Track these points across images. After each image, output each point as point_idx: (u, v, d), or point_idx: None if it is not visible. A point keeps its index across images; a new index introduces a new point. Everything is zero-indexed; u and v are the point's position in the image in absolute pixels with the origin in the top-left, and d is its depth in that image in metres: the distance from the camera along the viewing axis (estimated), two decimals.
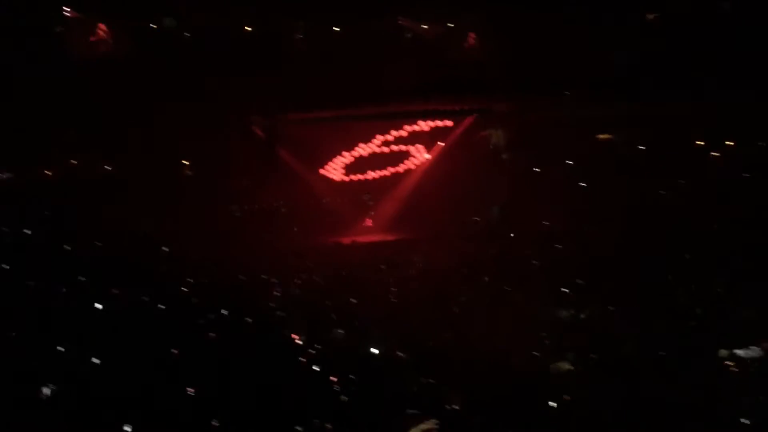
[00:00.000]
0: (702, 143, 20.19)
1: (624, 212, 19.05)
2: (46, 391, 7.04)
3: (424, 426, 6.51)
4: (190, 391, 7.65)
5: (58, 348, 8.17)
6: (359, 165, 22.67)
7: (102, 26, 17.00)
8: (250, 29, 18.76)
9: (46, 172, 18.91)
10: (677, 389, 8.55)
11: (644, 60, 18.70)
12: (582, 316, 12.11)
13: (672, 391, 8.51)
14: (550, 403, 8.01)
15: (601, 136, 21.49)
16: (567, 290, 13.38)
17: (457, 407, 7.67)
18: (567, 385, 8.97)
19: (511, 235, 19.49)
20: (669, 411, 7.96)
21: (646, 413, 7.92)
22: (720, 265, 14.05)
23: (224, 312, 10.84)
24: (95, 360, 7.95)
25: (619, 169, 20.15)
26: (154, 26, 18.08)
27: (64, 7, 16.75)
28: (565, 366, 9.56)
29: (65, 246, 13.24)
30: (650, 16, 19.22)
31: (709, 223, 17.32)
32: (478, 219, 21.69)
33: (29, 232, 13.60)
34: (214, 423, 7.13)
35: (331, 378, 8.43)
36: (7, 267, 11.04)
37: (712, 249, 15.17)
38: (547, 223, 19.71)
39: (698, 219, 17.64)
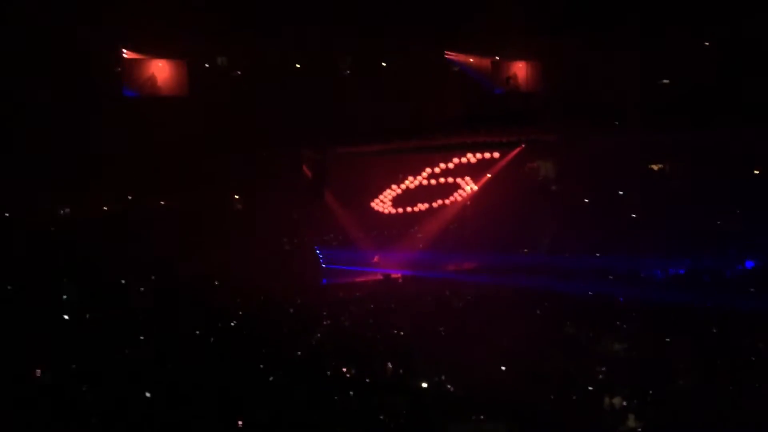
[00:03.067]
0: (758, 172, 19.68)
1: (679, 244, 18.61)
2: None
3: None
4: (240, 422, 7.71)
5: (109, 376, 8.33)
6: (407, 198, 22.70)
7: (157, 65, 17.58)
8: (299, 66, 19.12)
9: (102, 207, 19.46)
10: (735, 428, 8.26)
11: (696, 88, 18.39)
12: (637, 350, 11.81)
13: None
14: None
15: (654, 166, 21.12)
16: (622, 323, 13.10)
17: None
18: (621, 421, 8.75)
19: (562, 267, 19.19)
20: None
21: None
22: None
23: (274, 344, 10.92)
24: (146, 393, 8.08)
25: (673, 200, 19.74)
26: (207, 65, 18.58)
27: (123, 48, 17.38)
28: (620, 401, 9.32)
29: (120, 279, 13.56)
30: (702, 44, 18.93)
31: None
32: (527, 251, 21.46)
33: (87, 263, 13.97)
34: None
35: (380, 411, 8.39)
36: (65, 298, 11.35)
37: None
38: (599, 255, 19.38)
39: (759, 251, 17.12)
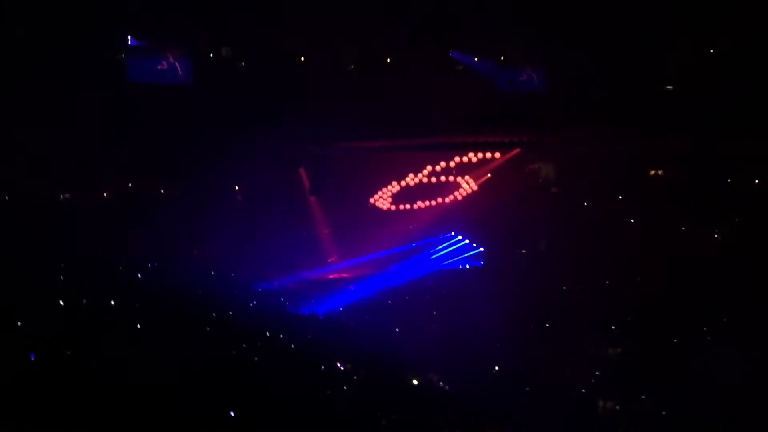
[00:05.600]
0: (759, 182, 19.71)
1: (677, 249, 18.65)
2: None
3: None
4: (232, 413, 7.70)
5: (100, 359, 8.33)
6: (407, 195, 22.71)
7: (163, 54, 17.53)
8: (303, 59, 19.11)
9: (103, 193, 19.46)
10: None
11: (696, 94, 18.41)
12: (629, 354, 11.85)
13: None
14: None
15: (653, 172, 21.16)
16: (615, 327, 13.13)
17: None
18: (614, 424, 8.77)
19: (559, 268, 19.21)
20: None
21: None
22: None
23: (268, 336, 10.92)
24: (137, 380, 8.05)
25: (671, 205, 19.77)
26: (212, 56, 18.57)
27: (129, 36, 17.35)
28: (613, 405, 9.35)
29: (119, 265, 13.54)
30: (705, 51, 18.93)
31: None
32: (525, 252, 21.48)
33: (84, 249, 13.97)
34: None
35: (372, 406, 8.39)
36: (63, 280, 11.34)
37: None
38: (596, 257, 19.40)
39: (754, 259, 17.14)
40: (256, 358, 9.85)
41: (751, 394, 9.57)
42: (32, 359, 8.45)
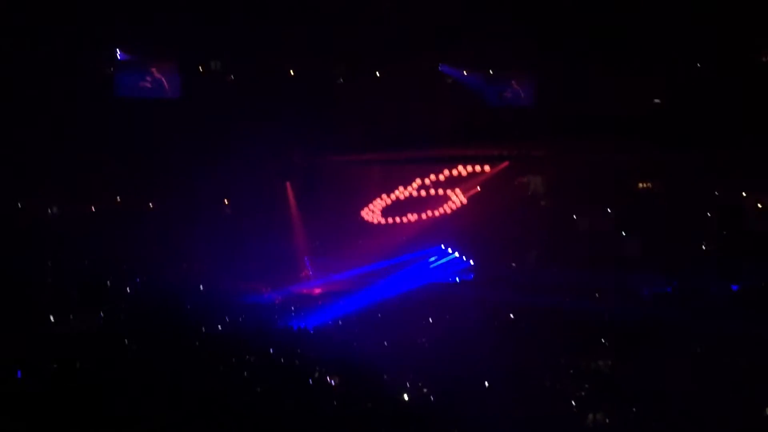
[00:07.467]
0: (746, 194, 19.85)
1: (665, 262, 18.73)
2: None
3: None
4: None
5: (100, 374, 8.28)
6: (397, 208, 22.70)
7: (151, 68, 17.53)
8: (293, 72, 19.15)
9: (91, 207, 19.38)
10: None
11: (686, 108, 18.56)
12: (620, 366, 11.86)
13: None
14: None
15: (641, 185, 21.27)
16: (605, 339, 13.15)
17: None
18: None
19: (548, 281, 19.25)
20: None
21: None
22: None
23: (259, 351, 10.88)
24: (129, 394, 8.02)
25: (659, 218, 19.86)
26: (201, 69, 18.58)
27: (117, 50, 17.34)
28: (603, 418, 9.35)
29: (107, 279, 13.50)
30: (694, 66, 19.12)
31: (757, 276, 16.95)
32: (514, 265, 21.50)
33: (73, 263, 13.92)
34: None
35: (362, 420, 8.37)
36: (55, 293, 11.30)
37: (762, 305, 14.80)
38: (586, 271, 19.45)
39: (742, 273, 17.27)
40: (245, 373, 9.81)
41: (741, 406, 9.59)
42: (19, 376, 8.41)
